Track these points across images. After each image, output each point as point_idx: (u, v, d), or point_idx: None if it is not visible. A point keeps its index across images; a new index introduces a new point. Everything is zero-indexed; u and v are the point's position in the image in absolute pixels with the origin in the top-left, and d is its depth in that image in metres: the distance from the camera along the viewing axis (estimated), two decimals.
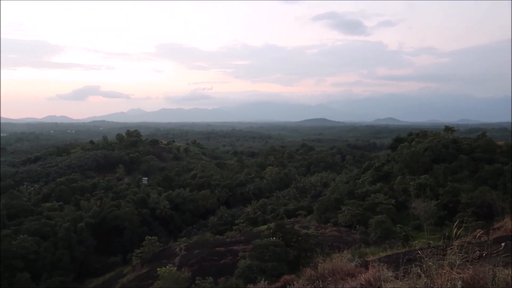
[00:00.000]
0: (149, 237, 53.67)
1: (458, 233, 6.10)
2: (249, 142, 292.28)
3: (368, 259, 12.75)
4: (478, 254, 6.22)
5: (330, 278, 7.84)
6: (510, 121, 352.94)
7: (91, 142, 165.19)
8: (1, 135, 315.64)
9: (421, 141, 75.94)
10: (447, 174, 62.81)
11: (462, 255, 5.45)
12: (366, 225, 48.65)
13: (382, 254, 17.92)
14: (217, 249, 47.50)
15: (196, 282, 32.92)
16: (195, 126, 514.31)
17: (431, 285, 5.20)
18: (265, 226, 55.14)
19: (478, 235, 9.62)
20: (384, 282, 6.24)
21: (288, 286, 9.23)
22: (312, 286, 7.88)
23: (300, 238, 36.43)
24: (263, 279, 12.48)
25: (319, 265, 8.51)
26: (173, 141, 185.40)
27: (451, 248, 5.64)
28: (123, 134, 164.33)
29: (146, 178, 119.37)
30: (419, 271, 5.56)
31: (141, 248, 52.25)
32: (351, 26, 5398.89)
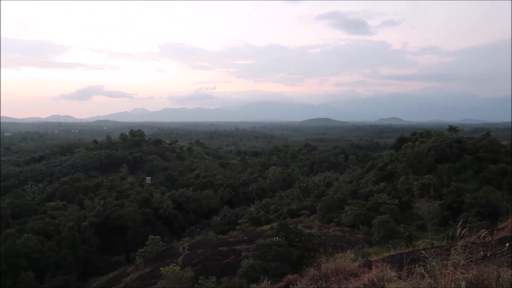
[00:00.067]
0: (152, 237, 53.78)
1: (462, 233, 6.07)
2: (252, 142, 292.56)
3: (371, 259, 12.72)
4: (482, 255, 6.18)
5: (333, 278, 7.82)
6: (510, 120, 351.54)
7: (95, 141, 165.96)
8: (6, 134, 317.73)
9: (424, 141, 75.72)
10: (451, 174, 62.60)
11: (466, 255, 5.43)
12: (370, 225, 48.56)
13: (386, 254, 17.88)
14: (220, 248, 47.54)
15: (199, 281, 32.95)
16: (198, 126, 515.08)
17: (435, 285, 5.18)
18: (268, 226, 55.11)
19: (482, 235, 9.59)
20: (387, 282, 6.22)
21: (291, 286, 9.22)
22: (315, 286, 7.87)
23: (303, 238, 36.40)
24: (266, 278, 12.47)
25: (322, 265, 8.49)
26: (177, 141, 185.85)
27: (455, 248, 5.61)
28: (127, 134, 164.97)
29: (150, 178, 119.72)
30: (422, 271, 5.54)
31: (144, 247, 52.37)
32: (354, 25, 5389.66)
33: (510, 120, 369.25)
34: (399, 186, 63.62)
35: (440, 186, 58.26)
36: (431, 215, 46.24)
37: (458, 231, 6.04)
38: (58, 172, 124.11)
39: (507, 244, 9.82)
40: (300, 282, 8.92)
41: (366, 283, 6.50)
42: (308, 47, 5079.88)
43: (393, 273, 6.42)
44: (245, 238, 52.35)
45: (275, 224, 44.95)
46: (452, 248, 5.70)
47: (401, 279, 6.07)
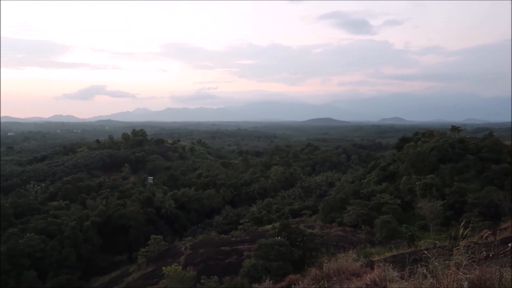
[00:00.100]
0: (155, 236, 53.85)
1: (464, 234, 6.06)
2: (254, 142, 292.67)
3: (373, 259, 12.70)
4: (484, 255, 6.17)
5: (335, 278, 7.82)
6: (511, 120, 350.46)
7: (97, 141, 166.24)
8: (9, 134, 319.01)
9: (427, 141, 75.50)
10: (453, 174, 62.39)
11: (469, 256, 5.42)
12: (372, 225, 48.46)
13: (388, 254, 17.86)
14: (222, 248, 47.54)
15: (201, 281, 32.97)
16: (201, 126, 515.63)
17: (437, 286, 5.17)
18: (270, 226, 55.14)
19: (484, 235, 9.56)
20: (389, 282, 6.21)
21: (293, 286, 9.23)
22: (317, 286, 7.87)
23: (305, 238, 36.38)
24: (268, 278, 12.46)
25: (324, 264, 8.49)
26: (179, 141, 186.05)
27: (457, 249, 5.60)
28: (129, 134, 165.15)
29: (152, 177, 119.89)
30: (425, 271, 5.54)
31: (146, 247, 52.46)
32: (357, 25, 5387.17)
33: (510, 120, 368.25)
34: (401, 186, 63.48)
35: (443, 186, 58.07)
36: (433, 215, 46.07)
37: (461, 231, 6.04)
38: (61, 172, 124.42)
39: (509, 245, 9.79)
40: (302, 282, 8.92)
41: (368, 283, 6.50)
42: (311, 46, 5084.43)
43: (395, 273, 6.42)
44: (247, 238, 52.34)
45: (277, 224, 44.96)
46: (454, 248, 5.69)
47: (403, 279, 6.07)
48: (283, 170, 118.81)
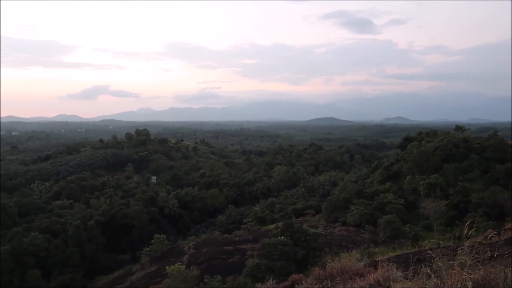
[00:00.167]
0: (158, 236, 53.95)
1: (468, 234, 6.03)
2: (257, 141, 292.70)
3: (377, 259, 12.68)
4: (489, 255, 6.14)
5: (338, 278, 7.80)
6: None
7: (101, 141, 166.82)
8: (13, 133, 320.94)
9: (431, 140, 75.24)
10: (457, 173, 62.14)
11: (473, 256, 5.40)
12: (375, 224, 48.34)
13: (391, 254, 17.83)
14: (226, 247, 47.59)
15: (205, 280, 33.01)
16: (204, 125, 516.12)
17: (441, 286, 5.15)
18: (274, 225, 55.10)
19: (489, 235, 9.52)
20: (393, 282, 6.19)
21: (296, 285, 9.21)
22: (321, 286, 7.86)
23: (308, 238, 36.35)
24: (271, 278, 12.47)
25: (328, 264, 8.47)
26: (182, 140, 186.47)
27: (461, 249, 5.58)
28: (132, 133, 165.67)
29: (155, 177, 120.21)
30: (429, 271, 5.52)
31: (150, 246, 52.57)
32: (360, 24, 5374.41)
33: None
34: (405, 185, 63.30)
35: (447, 186, 57.86)
36: (437, 215, 45.94)
37: (465, 231, 6.01)
38: (65, 171, 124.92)
39: None
40: (305, 282, 8.91)
41: (371, 283, 6.48)
42: (314, 46, 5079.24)
43: (399, 273, 6.40)
44: (250, 237, 52.37)
45: (280, 224, 44.94)
46: (458, 248, 5.67)
47: (407, 279, 6.04)
48: (286, 170, 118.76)
